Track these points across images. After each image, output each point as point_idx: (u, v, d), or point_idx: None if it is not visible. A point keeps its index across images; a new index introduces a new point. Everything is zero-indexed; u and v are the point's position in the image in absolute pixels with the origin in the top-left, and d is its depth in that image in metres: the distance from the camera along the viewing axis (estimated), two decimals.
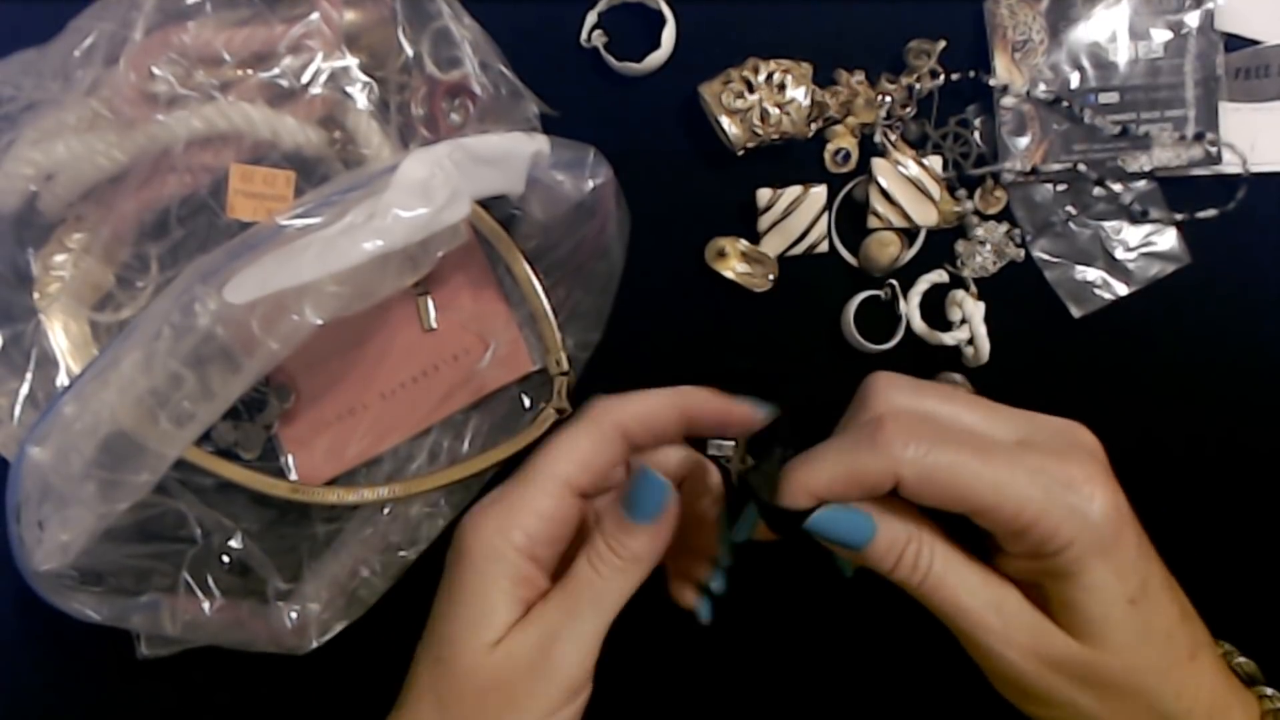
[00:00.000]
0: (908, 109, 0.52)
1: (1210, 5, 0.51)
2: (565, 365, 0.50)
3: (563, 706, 0.36)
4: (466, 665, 0.36)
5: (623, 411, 0.38)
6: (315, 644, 0.48)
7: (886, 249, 0.51)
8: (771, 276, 0.51)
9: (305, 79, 0.47)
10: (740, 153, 0.51)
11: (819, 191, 0.51)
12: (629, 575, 0.37)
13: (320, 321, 0.42)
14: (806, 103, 0.50)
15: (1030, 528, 0.33)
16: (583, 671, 0.36)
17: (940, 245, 0.52)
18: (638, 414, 0.39)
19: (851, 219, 0.52)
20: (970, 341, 0.51)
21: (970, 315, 0.51)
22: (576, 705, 0.37)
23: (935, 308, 0.52)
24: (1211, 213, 0.52)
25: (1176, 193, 0.52)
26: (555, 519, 0.37)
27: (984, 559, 0.37)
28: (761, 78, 0.50)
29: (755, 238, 0.51)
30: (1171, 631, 0.36)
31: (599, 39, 0.51)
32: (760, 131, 0.50)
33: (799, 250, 0.51)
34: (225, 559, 0.49)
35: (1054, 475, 0.34)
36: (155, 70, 0.46)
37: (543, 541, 0.37)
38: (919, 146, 0.52)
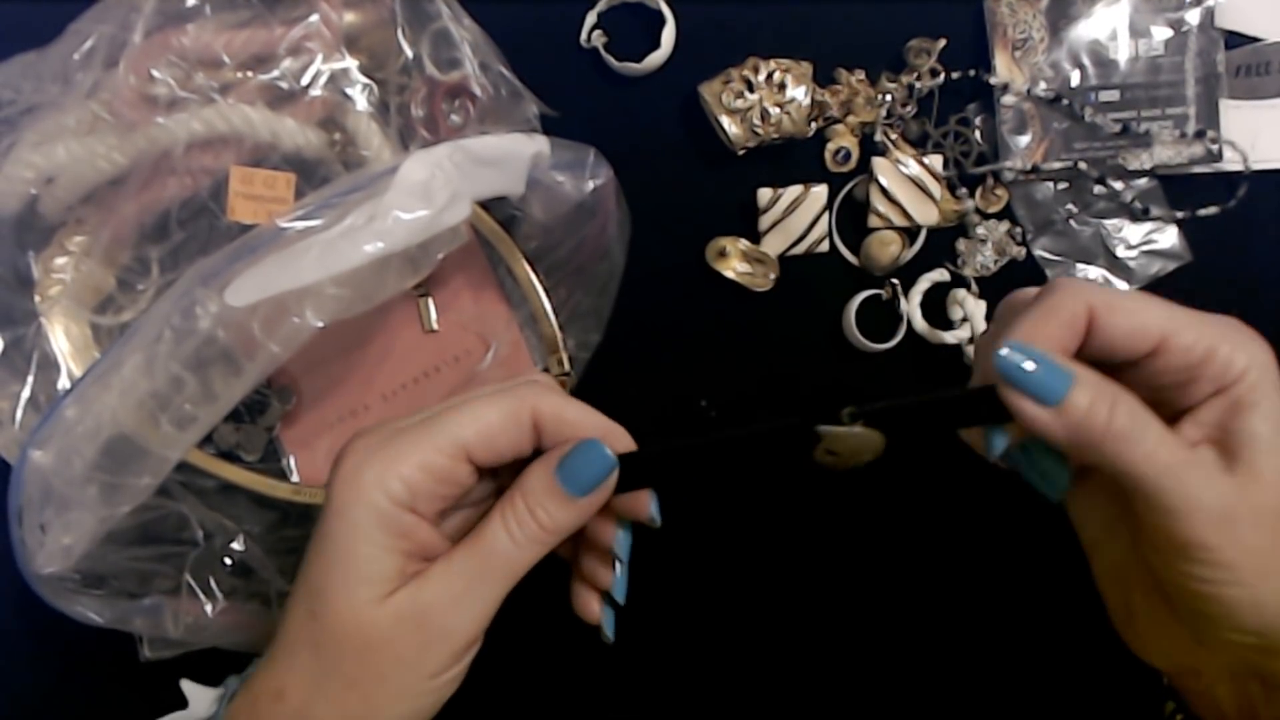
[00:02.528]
0: (908, 108, 0.52)
1: (1211, 3, 0.50)
2: (566, 366, 0.50)
3: (454, 664, 0.36)
4: (347, 622, 0.34)
5: (546, 406, 0.36)
6: None
7: (887, 248, 0.51)
8: (772, 276, 0.51)
9: (305, 81, 0.47)
10: (740, 152, 0.50)
11: (819, 191, 0.51)
12: (545, 546, 0.36)
13: (321, 324, 0.42)
14: (807, 102, 0.50)
15: (1210, 355, 0.35)
16: (479, 632, 0.36)
17: (941, 244, 0.52)
18: (557, 416, 0.36)
19: (852, 218, 0.52)
20: (972, 340, 0.51)
21: (971, 314, 0.51)
22: (467, 660, 0.36)
23: (936, 306, 0.52)
24: (1212, 210, 0.51)
25: (1177, 190, 0.52)
26: (443, 479, 0.35)
27: None
28: (761, 77, 0.50)
29: (756, 237, 0.51)
30: None
31: (599, 39, 0.51)
32: (760, 131, 0.50)
33: (800, 250, 0.51)
34: (227, 561, 0.49)
35: (1216, 319, 0.36)
36: (155, 73, 0.46)
37: (424, 496, 0.35)
38: (920, 145, 0.52)
